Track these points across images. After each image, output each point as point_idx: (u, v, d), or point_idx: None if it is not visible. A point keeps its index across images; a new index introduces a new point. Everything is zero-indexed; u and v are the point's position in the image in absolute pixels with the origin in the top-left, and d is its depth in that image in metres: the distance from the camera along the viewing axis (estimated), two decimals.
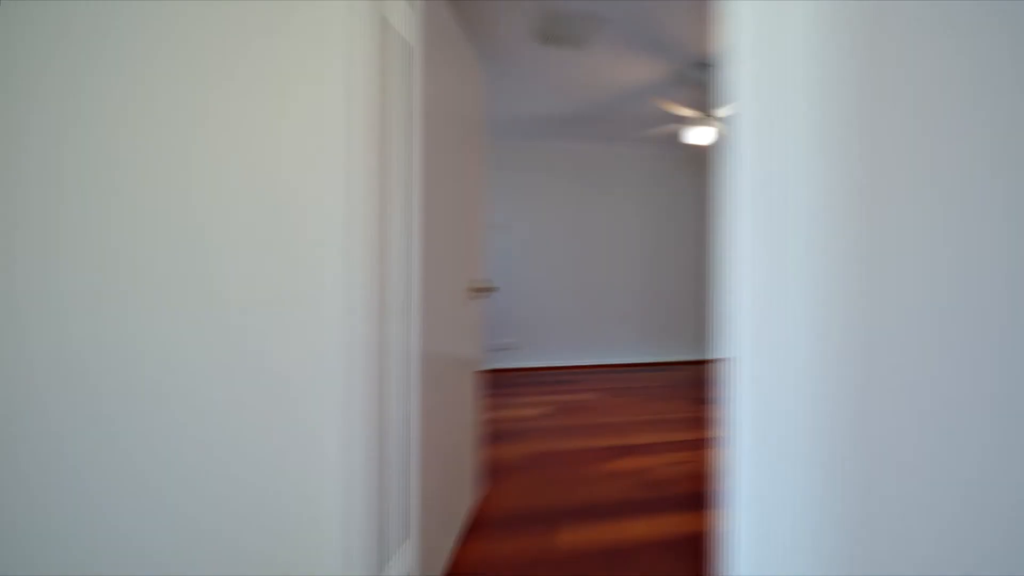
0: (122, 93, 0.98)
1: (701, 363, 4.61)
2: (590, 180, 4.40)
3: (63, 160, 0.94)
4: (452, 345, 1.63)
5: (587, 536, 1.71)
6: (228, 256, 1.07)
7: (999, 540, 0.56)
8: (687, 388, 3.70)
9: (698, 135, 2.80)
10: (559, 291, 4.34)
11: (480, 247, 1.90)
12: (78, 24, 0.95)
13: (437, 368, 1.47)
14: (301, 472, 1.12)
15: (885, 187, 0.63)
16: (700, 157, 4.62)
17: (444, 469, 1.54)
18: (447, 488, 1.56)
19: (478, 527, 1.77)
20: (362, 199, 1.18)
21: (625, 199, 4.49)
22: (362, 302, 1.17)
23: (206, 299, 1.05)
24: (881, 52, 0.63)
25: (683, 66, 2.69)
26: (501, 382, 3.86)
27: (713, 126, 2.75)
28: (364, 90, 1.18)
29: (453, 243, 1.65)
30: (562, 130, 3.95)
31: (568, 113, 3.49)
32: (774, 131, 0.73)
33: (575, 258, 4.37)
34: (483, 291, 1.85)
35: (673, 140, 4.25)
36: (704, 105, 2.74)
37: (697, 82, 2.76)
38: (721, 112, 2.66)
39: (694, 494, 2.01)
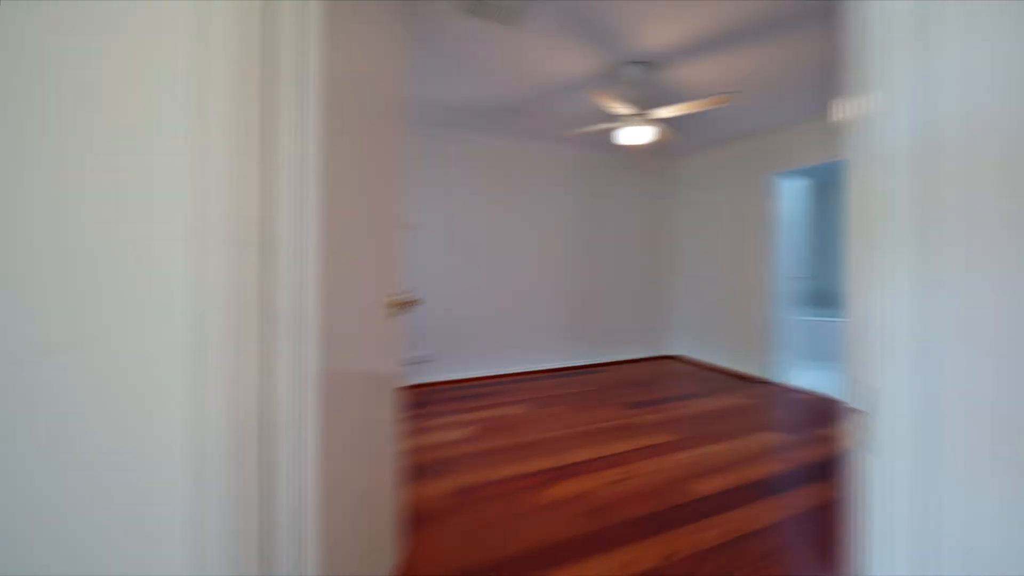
0: None
1: (628, 363, 4.64)
2: (515, 177, 4.18)
3: None
4: (366, 366, 1.27)
5: None
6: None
7: None
8: (616, 391, 3.64)
9: (632, 135, 2.70)
10: (479, 295, 4.04)
11: (398, 253, 1.53)
12: None
13: (344, 395, 1.11)
14: None
15: None
16: (632, 158, 4.65)
17: (354, 526, 1.17)
18: (358, 552, 1.19)
19: None
20: (226, 191, 0.78)
21: (552, 198, 4.34)
22: (224, 324, 0.77)
23: None
24: None
25: (618, 62, 2.56)
26: (417, 401, 3.46)
27: (648, 126, 2.67)
28: (233, 47, 0.79)
29: (365, 247, 1.28)
30: (487, 122, 3.66)
31: (494, 102, 3.21)
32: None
33: (497, 260, 4.11)
34: (405, 305, 1.49)
35: (605, 140, 4.21)
36: (638, 104, 2.64)
37: (632, 80, 2.66)
38: (662, 112, 2.59)
39: (642, 518, 1.85)
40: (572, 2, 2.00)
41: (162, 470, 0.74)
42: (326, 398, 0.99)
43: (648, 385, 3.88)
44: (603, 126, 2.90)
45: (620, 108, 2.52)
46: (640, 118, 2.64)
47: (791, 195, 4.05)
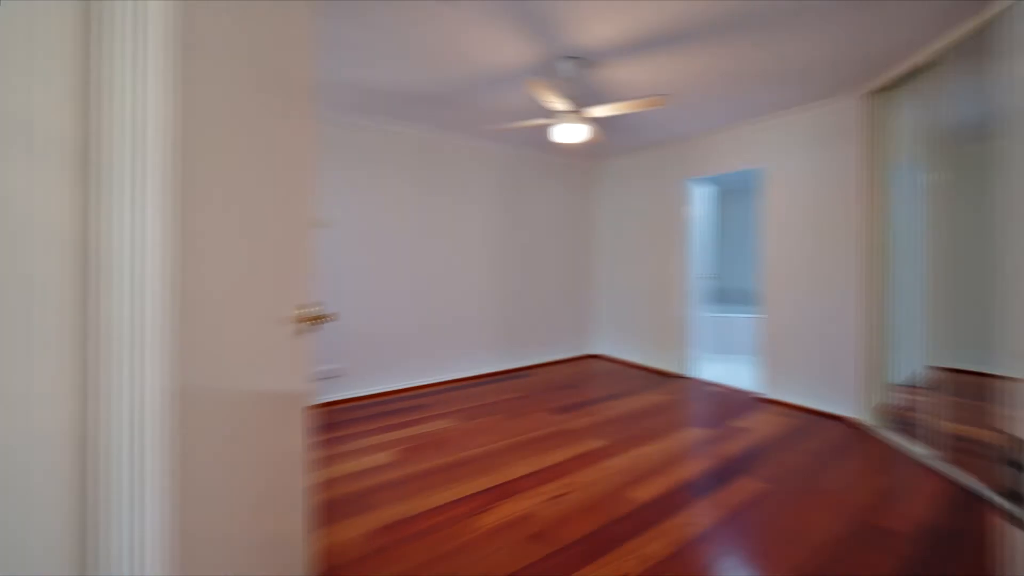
0: None
1: (554, 364, 4.59)
2: (441, 173, 3.89)
3: None
4: (262, 386, 0.99)
5: None
6: None
7: None
8: (545, 395, 3.55)
9: (567, 133, 2.59)
10: (398, 300, 3.71)
11: (307, 256, 1.24)
12: None
13: (227, 421, 0.85)
14: None
15: None
16: (559, 158, 4.59)
17: None
18: None
19: None
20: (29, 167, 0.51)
21: (479, 196, 4.12)
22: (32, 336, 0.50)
23: None
24: None
25: (554, 55, 2.44)
26: (330, 422, 3.06)
27: (584, 124, 2.59)
28: None
29: (259, 250, 0.99)
30: (412, 110, 3.34)
31: (422, 89, 2.92)
32: None
33: (418, 260, 3.80)
34: (315, 320, 1.20)
35: (533, 138, 4.09)
36: (573, 101, 2.54)
37: (567, 76, 2.56)
38: (597, 111, 2.51)
39: (588, 536, 1.74)
40: None
41: None
42: (186, 424, 0.73)
43: (575, 387, 3.86)
44: (538, 122, 2.77)
45: (556, 102, 2.40)
46: (575, 115, 2.55)
47: (701, 200, 4.30)
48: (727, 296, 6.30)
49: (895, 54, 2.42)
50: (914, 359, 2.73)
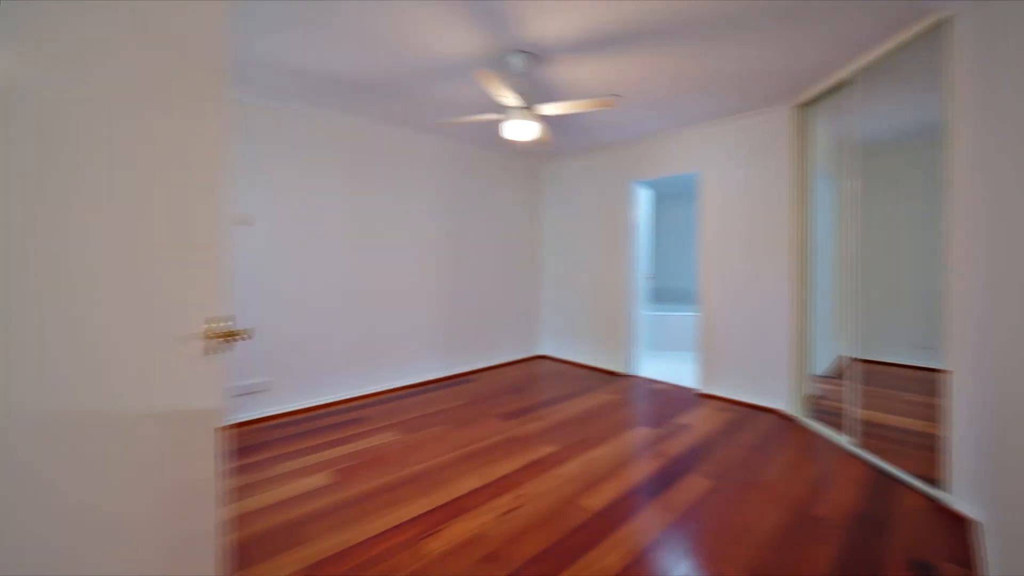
0: None
1: (499, 367, 4.49)
2: (380, 168, 3.63)
3: None
4: (158, 406, 0.80)
5: None
6: None
7: None
8: (491, 401, 3.44)
9: (518, 129, 2.49)
10: (330, 303, 3.42)
11: (218, 263, 1.03)
12: None
13: (108, 455, 0.65)
14: None
15: None
16: (506, 156, 4.46)
17: None
18: None
19: None
20: None
21: (422, 193, 3.90)
22: None
23: None
24: None
25: (505, 48, 2.33)
26: (254, 443, 2.74)
27: (534, 122, 2.49)
28: None
29: (148, 258, 0.80)
30: (349, 99, 3.06)
31: (361, 75, 2.67)
32: None
33: (354, 261, 3.53)
34: (226, 337, 1.00)
35: (480, 135, 3.94)
36: (523, 98, 2.44)
37: (517, 71, 2.45)
38: (548, 109, 2.42)
39: (544, 553, 1.65)
40: None
41: None
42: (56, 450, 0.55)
43: (522, 391, 3.79)
44: (487, 117, 2.65)
45: (507, 96, 2.30)
46: (526, 112, 2.46)
47: (642, 203, 4.40)
48: (664, 295, 6.57)
49: (821, 69, 2.59)
50: (831, 351, 2.95)
